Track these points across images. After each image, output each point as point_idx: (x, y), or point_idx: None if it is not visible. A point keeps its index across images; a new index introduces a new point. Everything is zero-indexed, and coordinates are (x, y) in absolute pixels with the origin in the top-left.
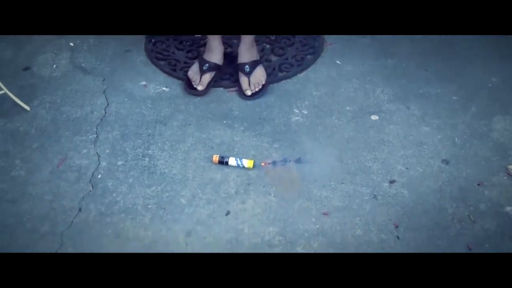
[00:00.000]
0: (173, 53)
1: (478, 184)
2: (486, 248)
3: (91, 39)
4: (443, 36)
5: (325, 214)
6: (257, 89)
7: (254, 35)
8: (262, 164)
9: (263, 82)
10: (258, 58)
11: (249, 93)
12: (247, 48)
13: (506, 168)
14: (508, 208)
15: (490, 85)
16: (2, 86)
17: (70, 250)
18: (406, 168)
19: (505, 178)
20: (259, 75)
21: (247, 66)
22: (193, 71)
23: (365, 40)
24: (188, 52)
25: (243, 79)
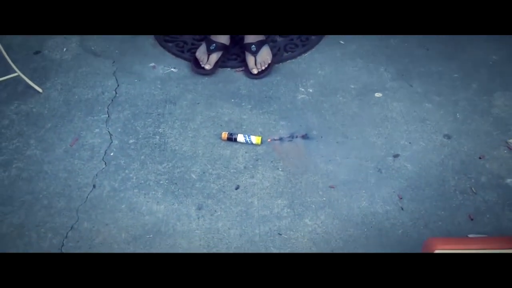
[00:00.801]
0: (180, 35)
1: (479, 158)
2: (487, 218)
3: None
4: None
5: (331, 187)
6: (263, 68)
7: None
8: (268, 140)
9: (269, 61)
10: (264, 38)
11: (255, 71)
12: None
13: (507, 142)
14: (508, 180)
15: (490, 62)
16: (16, 69)
17: (85, 224)
18: (409, 143)
19: (505, 151)
20: (265, 54)
21: (253, 45)
22: (201, 52)
23: None
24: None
25: (250, 58)
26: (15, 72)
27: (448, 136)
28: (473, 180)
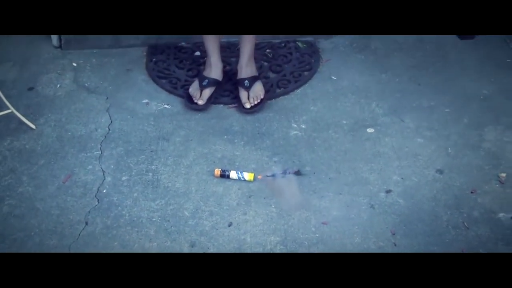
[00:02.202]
0: (174, 71)
1: (471, 192)
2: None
3: (94, 59)
4: (434, 47)
5: (324, 223)
6: (256, 102)
7: (252, 51)
8: (259, 177)
9: (262, 97)
10: (257, 74)
11: (248, 106)
12: (246, 64)
13: (498, 176)
14: (500, 214)
15: (481, 97)
16: (9, 105)
17: None
18: (402, 178)
19: (497, 185)
20: (258, 89)
21: (246, 81)
22: (194, 88)
23: (359, 56)
24: (188, 70)
25: (243, 93)
26: (8, 108)
27: (440, 171)
28: (465, 215)
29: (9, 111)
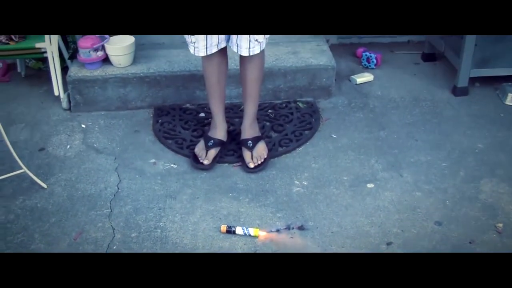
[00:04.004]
0: (179, 132)
1: (470, 243)
2: None
3: (102, 121)
4: (430, 104)
5: None
6: (259, 162)
7: (255, 113)
8: (262, 235)
9: (265, 156)
10: (260, 134)
11: (251, 165)
12: (249, 125)
13: (495, 226)
14: None
15: (476, 150)
16: (22, 165)
17: None
18: (402, 231)
19: (494, 235)
20: (261, 149)
21: (249, 141)
22: (199, 148)
23: (358, 114)
24: (193, 131)
25: (246, 153)
26: (21, 168)
27: (439, 223)
28: None
29: (21, 171)
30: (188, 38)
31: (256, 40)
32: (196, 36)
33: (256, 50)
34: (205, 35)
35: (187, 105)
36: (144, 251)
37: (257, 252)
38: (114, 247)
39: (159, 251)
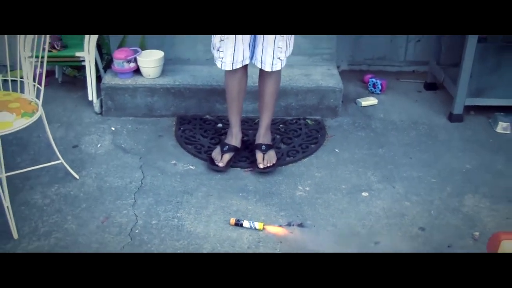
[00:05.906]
0: (199, 139)
1: (448, 246)
2: None
3: (130, 125)
4: (427, 128)
5: None
6: (268, 165)
7: (269, 123)
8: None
9: (274, 162)
10: (272, 143)
11: (261, 166)
12: (264, 133)
13: (472, 234)
14: None
15: (464, 170)
16: (60, 157)
17: None
18: (389, 233)
19: (470, 241)
20: (272, 155)
21: (263, 146)
22: (215, 152)
23: (360, 133)
24: (211, 139)
25: (259, 155)
26: (58, 159)
27: (422, 228)
28: None
29: (58, 161)
30: (217, 53)
31: (279, 58)
32: (225, 53)
33: (277, 67)
34: (232, 53)
35: (207, 116)
36: (162, 235)
37: (260, 242)
38: (136, 231)
39: (175, 236)
